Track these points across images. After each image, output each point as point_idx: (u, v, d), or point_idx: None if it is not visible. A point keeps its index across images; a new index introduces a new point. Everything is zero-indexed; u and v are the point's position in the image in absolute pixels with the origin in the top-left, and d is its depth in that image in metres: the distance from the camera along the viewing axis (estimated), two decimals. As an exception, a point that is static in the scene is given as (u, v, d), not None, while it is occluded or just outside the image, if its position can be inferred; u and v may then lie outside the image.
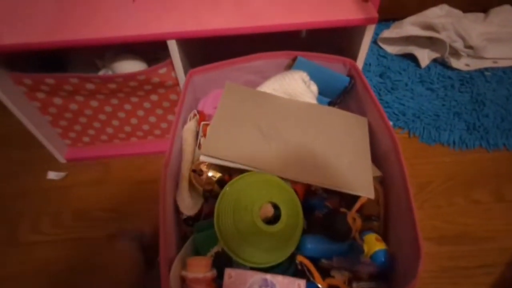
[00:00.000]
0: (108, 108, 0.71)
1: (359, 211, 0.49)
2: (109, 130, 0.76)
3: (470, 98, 0.87)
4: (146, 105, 0.71)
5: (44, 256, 0.65)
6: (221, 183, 0.50)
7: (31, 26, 0.56)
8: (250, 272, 0.42)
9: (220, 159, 0.48)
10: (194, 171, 0.51)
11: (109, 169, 0.77)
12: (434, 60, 0.96)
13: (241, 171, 0.48)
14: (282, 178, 0.48)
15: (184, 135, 0.53)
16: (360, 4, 0.56)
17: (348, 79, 0.61)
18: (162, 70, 0.63)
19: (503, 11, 0.97)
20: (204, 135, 0.54)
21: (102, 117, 0.72)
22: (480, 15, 1.01)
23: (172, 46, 0.57)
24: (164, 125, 0.76)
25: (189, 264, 0.42)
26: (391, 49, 1.00)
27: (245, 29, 0.56)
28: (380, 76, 0.94)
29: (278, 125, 0.53)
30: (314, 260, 0.45)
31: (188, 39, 0.57)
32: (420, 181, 0.73)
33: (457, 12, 0.97)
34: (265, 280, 0.42)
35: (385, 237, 0.49)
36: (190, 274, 0.41)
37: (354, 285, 0.44)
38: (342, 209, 0.49)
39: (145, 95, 0.69)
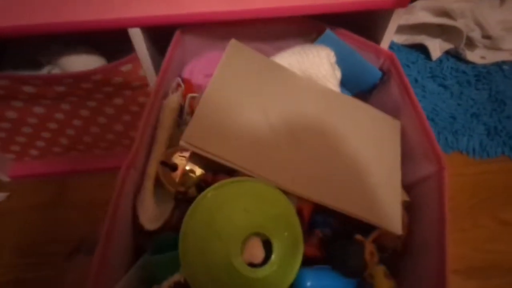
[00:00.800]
0: (58, 115, 0.56)
1: (374, 240, 0.38)
2: (63, 140, 0.61)
3: (488, 96, 0.77)
4: (109, 110, 0.57)
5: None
6: (200, 186, 0.37)
7: None
8: None
9: (206, 152, 0.34)
10: (164, 163, 0.38)
11: (64, 189, 0.62)
12: (446, 52, 0.84)
13: (231, 171, 0.36)
14: (286, 192, 0.35)
15: (161, 115, 0.39)
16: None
17: (380, 74, 0.48)
18: (126, 67, 0.48)
19: (522, -4, 0.86)
20: (191, 113, 0.41)
21: (52, 125, 0.57)
22: (496, 0, 0.89)
23: (136, 36, 0.42)
24: (134, 133, 0.62)
25: None
26: (397, 38, 0.87)
27: (233, 13, 0.42)
28: (387, 70, 0.82)
29: (292, 115, 0.40)
30: None
31: (160, 27, 0.43)
32: (438, 197, 0.62)
33: (473, -4, 0.85)
34: None
35: (396, 272, 0.38)
36: None
37: None
38: (358, 237, 0.37)
39: (105, 99, 0.54)
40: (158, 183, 0.38)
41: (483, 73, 0.81)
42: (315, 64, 0.43)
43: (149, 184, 0.37)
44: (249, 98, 0.39)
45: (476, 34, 0.80)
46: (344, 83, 0.50)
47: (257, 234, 0.33)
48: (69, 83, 0.48)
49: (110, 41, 0.50)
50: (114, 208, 0.32)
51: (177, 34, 0.45)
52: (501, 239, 0.58)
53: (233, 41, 0.42)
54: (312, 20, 0.48)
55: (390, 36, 0.47)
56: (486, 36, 0.82)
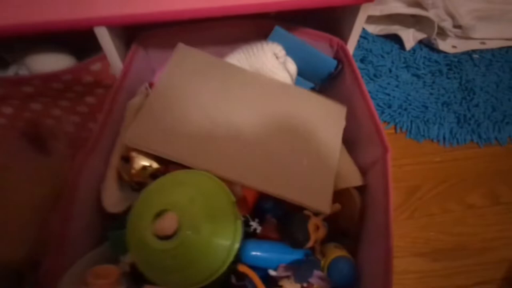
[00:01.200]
0: (28, 115, 0.55)
1: (328, 219, 0.41)
2: (37, 140, 0.60)
3: (459, 85, 0.79)
4: (82, 109, 0.56)
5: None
6: (156, 176, 0.39)
7: None
8: None
9: (149, 150, 0.38)
10: (124, 158, 0.41)
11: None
12: (419, 42, 0.86)
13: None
14: (224, 180, 0.38)
15: (126, 113, 0.43)
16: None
17: (335, 62, 0.50)
18: (96, 67, 0.48)
19: (491, -16, 0.88)
20: None
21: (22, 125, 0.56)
22: (467, -11, 0.91)
23: (103, 35, 0.42)
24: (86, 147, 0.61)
25: (91, 275, 0.32)
26: (372, 29, 0.89)
27: (205, 11, 0.42)
28: (361, 61, 0.83)
29: (233, 108, 0.42)
30: (260, 271, 0.37)
31: (129, 26, 0.43)
32: (409, 185, 0.65)
33: (444, -14, 0.87)
34: None
35: (354, 255, 0.41)
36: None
37: None
38: (306, 212, 0.40)
39: (77, 98, 0.53)
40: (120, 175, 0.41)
41: (454, 62, 0.83)
42: (260, 59, 0.45)
43: (111, 173, 0.40)
44: (193, 97, 0.41)
45: (447, 24, 0.82)
46: (303, 74, 0.51)
47: (167, 210, 0.35)
48: (38, 84, 0.47)
49: (79, 38, 0.49)
50: (72, 188, 0.35)
51: (133, 46, 0.46)
52: (467, 222, 0.61)
53: (180, 45, 0.44)
54: (267, 20, 0.49)
55: (358, 30, 0.48)
56: (457, 26, 0.84)
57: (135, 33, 0.48)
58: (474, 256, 0.57)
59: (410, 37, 0.84)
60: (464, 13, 0.83)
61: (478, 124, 0.73)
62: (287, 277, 0.37)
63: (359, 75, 0.46)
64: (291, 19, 0.51)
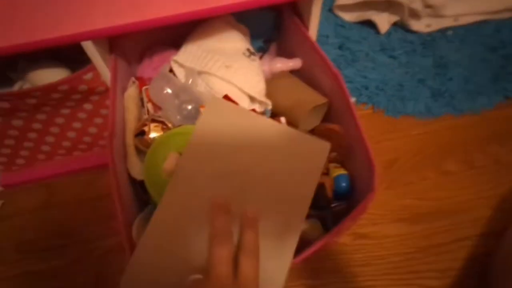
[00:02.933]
0: (36, 125, 0.62)
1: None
2: (45, 148, 0.67)
3: (433, 62, 0.83)
4: (81, 115, 0.63)
5: (-10, 300, 0.58)
6: None
7: None
8: None
9: None
10: (137, 135, 0.51)
11: (52, 191, 0.69)
12: (394, 24, 0.90)
13: None
14: None
15: (125, 104, 0.52)
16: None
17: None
18: (88, 76, 0.54)
19: (459, -37, 0.92)
20: (149, 100, 0.56)
21: (32, 135, 0.63)
22: (437, -31, 0.95)
23: (89, 48, 0.48)
24: (107, 133, 0.68)
25: None
26: (348, 17, 0.93)
27: (186, 15, 0.47)
28: (340, 48, 0.88)
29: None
30: None
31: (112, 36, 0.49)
32: (387, 158, 0.69)
33: (413, -31, 0.91)
34: None
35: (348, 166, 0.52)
36: None
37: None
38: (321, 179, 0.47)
39: (76, 105, 0.60)
40: (138, 150, 0.51)
41: (428, 41, 0.87)
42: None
43: (130, 150, 0.50)
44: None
45: (417, 5, 0.86)
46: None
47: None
48: (39, 96, 0.54)
49: (73, 52, 0.56)
50: (113, 166, 0.43)
51: (113, 55, 0.53)
52: (443, 188, 0.65)
53: (213, 98, 0.50)
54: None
55: (316, 20, 0.53)
56: (428, 6, 0.87)
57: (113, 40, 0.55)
58: (451, 217, 0.62)
59: (384, 21, 0.88)
60: (433, -8, 0.86)
61: (452, 96, 0.77)
62: None
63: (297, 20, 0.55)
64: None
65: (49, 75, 0.55)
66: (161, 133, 0.52)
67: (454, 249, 0.58)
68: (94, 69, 0.54)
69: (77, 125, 0.64)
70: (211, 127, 0.41)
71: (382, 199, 0.64)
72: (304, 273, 0.57)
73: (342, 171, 0.50)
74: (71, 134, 0.66)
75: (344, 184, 0.48)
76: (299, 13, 0.57)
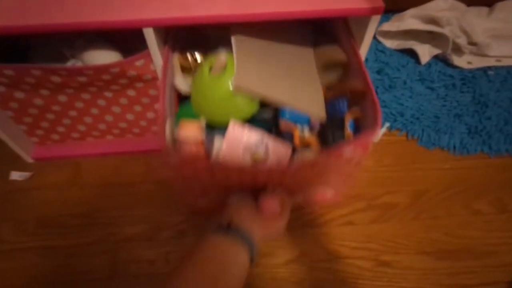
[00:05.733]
0: (79, 104, 0.63)
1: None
2: (81, 127, 0.68)
3: (472, 99, 0.82)
4: (123, 101, 0.64)
5: (5, 267, 0.58)
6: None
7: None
8: (249, 130, 0.50)
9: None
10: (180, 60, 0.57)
11: (80, 170, 0.70)
12: (435, 57, 0.90)
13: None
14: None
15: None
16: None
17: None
18: (140, 62, 0.56)
19: (509, 6, 0.92)
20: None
21: (72, 113, 0.65)
22: (484, 9, 0.95)
23: (149, 35, 0.50)
24: (143, 123, 0.69)
25: (181, 125, 0.49)
26: (390, 43, 0.94)
27: (233, 17, 0.48)
28: (378, 72, 0.88)
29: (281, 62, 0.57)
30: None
31: (170, 27, 0.50)
32: (417, 188, 0.68)
33: (461, 5, 0.91)
34: (261, 140, 0.49)
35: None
36: (181, 133, 0.48)
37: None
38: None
39: (121, 90, 0.61)
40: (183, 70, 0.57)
41: (468, 77, 0.86)
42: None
43: (177, 70, 0.56)
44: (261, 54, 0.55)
45: (462, 41, 0.86)
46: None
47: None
48: (91, 74, 0.55)
49: (124, 38, 0.57)
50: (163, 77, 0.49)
51: (166, 47, 0.54)
52: (472, 227, 0.63)
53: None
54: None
55: (368, 42, 0.53)
56: (472, 43, 0.87)
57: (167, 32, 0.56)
58: (478, 259, 0.60)
59: (425, 52, 0.89)
60: (480, 31, 0.86)
61: (489, 135, 0.75)
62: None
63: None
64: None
65: (102, 57, 0.57)
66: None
67: (479, 292, 0.56)
68: (146, 56, 0.55)
69: (116, 109, 0.65)
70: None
71: (408, 229, 0.63)
72: (320, 292, 0.56)
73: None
74: (108, 117, 0.67)
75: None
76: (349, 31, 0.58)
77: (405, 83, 0.85)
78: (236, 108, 0.51)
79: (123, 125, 0.69)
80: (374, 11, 0.47)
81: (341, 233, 0.62)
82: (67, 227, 0.63)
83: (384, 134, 0.77)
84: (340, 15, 0.49)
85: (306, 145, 0.50)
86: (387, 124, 0.78)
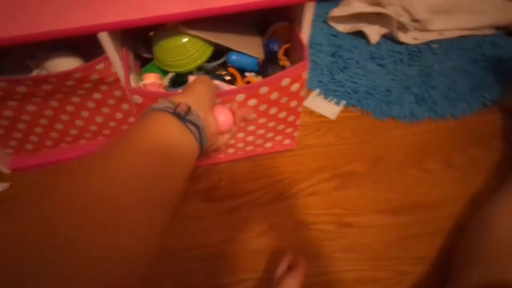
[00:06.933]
0: (48, 112, 0.66)
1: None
2: (54, 134, 0.72)
3: (418, 71, 0.90)
4: (90, 104, 0.67)
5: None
6: None
7: None
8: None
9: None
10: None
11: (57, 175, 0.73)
12: (384, 36, 0.97)
13: None
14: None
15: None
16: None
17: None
18: (100, 66, 0.60)
19: (445, -17, 0.99)
20: None
21: (43, 121, 0.68)
22: (425, -12, 1.02)
23: (104, 39, 0.54)
24: (112, 124, 0.73)
25: (144, 76, 0.59)
26: (342, 28, 1.00)
27: (190, 14, 0.52)
28: (332, 55, 0.94)
29: None
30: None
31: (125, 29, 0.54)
32: (374, 156, 0.75)
33: (402, -14, 0.98)
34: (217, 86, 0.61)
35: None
36: (144, 81, 0.59)
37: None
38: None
39: (86, 94, 0.65)
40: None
41: (415, 52, 0.94)
42: None
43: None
44: None
45: (405, 19, 0.93)
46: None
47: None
48: (55, 82, 0.59)
49: (87, 44, 0.61)
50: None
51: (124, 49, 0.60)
52: (423, 184, 0.70)
53: None
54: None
55: (308, 26, 0.58)
56: (415, 20, 0.95)
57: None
58: (430, 211, 0.66)
59: (374, 32, 0.95)
60: (420, 8, 0.94)
61: (435, 102, 0.83)
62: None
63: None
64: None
65: (64, 64, 0.60)
66: None
67: (430, 240, 0.63)
68: (105, 60, 0.59)
69: (85, 113, 0.69)
70: None
71: (367, 193, 0.69)
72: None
73: (287, 63, 0.66)
74: (79, 122, 0.70)
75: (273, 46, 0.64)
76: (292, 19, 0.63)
77: (358, 62, 0.92)
78: (188, 54, 0.61)
79: (93, 128, 0.73)
80: (306, -2, 0.53)
81: (307, 203, 0.68)
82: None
83: (342, 111, 0.83)
84: (278, 4, 0.54)
85: (247, 83, 0.63)
86: (343, 102, 0.84)
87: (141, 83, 0.59)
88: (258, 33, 0.69)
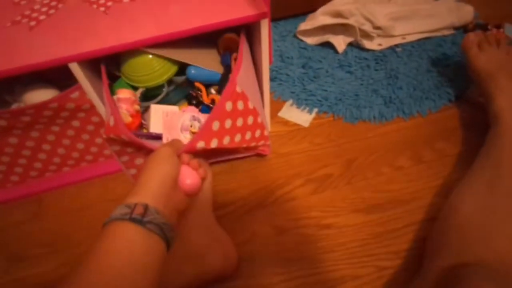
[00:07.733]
0: (29, 143, 0.69)
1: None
2: (37, 164, 0.74)
3: (385, 74, 0.94)
4: (70, 132, 0.70)
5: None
6: None
7: None
8: (181, 112, 0.65)
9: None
10: None
11: (43, 204, 0.75)
12: (350, 45, 1.02)
13: None
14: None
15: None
16: (253, 2, 0.59)
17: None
18: (74, 95, 0.63)
19: (403, -9, 1.06)
20: None
21: (26, 152, 0.71)
22: (385, -3, 1.09)
23: (75, 69, 0.57)
24: (94, 149, 0.76)
25: (117, 91, 0.63)
26: (310, 40, 1.05)
27: (160, 38, 0.57)
28: (303, 67, 0.98)
29: None
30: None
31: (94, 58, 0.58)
32: (347, 158, 0.78)
33: (362, -3, 1.04)
34: (193, 116, 0.65)
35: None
36: (118, 95, 0.62)
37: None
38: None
39: (65, 123, 0.68)
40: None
41: (380, 57, 0.99)
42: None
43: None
44: None
45: (367, 27, 0.99)
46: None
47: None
48: (33, 113, 0.62)
49: (62, 75, 0.65)
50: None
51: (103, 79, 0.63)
52: (396, 181, 0.73)
53: None
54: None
55: (266, 41, 0.63)
56: (377, 27, 1.00)
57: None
58: (402, 206, 0.69)
59: (340, 42, 1.00)
60: (381, 16, 0.99)
61: (402, 102, 0.86)
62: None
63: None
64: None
65: (41, 96, 0.64)
66: None
67: (405, 234, 0.65)
68: (79, 88, 0.62)
69: (66, 141, 0.72)
70: None
71: (342, 194, 0.72)
72: (272, 262, 0.63)
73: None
74: (61, 150, 0.73)
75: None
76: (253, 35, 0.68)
77: (327, 71, 0.96)
78: (154, 70, 0.65)
79: (75, 155, 0.75)
80: (260, 16, 0.57)
81: (285, 209, 0.70)
82: (36, 257, 0.67)
83: (314, 118, 0.87)
84: (234, 24, 0.58)
85: (212, 100, 0.68)
86: (315, 110, 0.88)
87: (115, 97, 0.63)
88: (215, 45, 0.74)
